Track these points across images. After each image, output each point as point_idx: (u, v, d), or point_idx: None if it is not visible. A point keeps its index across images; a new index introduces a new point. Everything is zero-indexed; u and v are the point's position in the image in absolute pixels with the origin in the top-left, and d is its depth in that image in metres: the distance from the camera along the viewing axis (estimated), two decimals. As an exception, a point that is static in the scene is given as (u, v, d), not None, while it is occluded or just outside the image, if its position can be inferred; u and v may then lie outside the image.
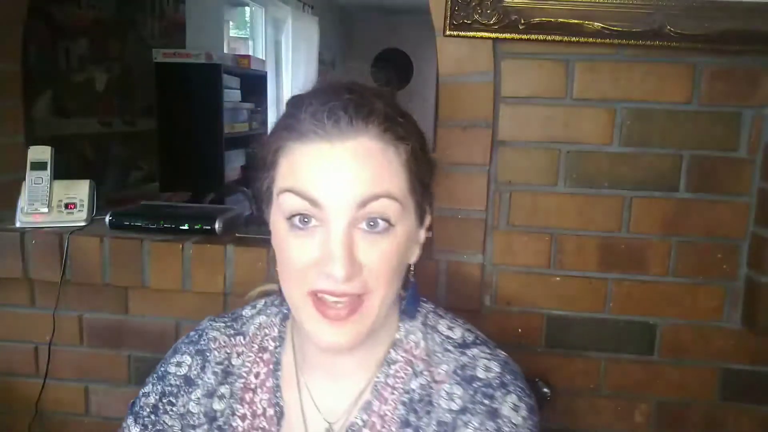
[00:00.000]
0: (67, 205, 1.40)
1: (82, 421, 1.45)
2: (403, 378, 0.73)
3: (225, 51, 3.84)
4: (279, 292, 0.77)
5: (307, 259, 0.65)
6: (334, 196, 0.63)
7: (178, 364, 0.80)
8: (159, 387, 0.80)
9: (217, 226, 1.35)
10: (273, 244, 0.71)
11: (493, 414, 0.68)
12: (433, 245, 1.29)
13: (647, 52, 1.18)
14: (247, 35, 4.60)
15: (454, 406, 0.70)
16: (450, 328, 0.76)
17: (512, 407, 0.69)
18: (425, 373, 0.73)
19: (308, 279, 0.65)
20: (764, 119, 1.20)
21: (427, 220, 0.74)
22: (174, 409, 0.79)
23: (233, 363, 0.79)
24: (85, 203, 1.42)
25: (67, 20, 2.42)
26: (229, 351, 0.80)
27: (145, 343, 1.40)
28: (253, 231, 1.34)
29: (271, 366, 0.78)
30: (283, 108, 0.74)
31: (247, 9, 4.55)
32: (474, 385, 0.70)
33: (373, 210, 0.64)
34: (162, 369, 0.81)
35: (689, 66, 1.20)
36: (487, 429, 0.68)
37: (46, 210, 1.38)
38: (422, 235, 0.73)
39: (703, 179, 1.23)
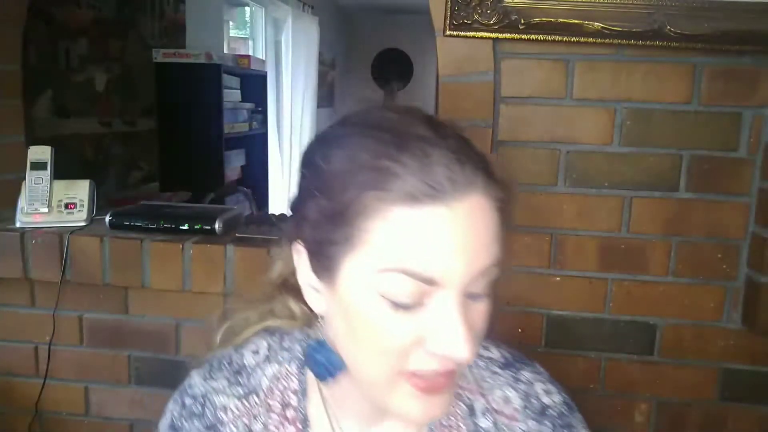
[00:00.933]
0: (67, 205, 1.40)
1: (82, 421, 1.45)
2: (460, 416, 0.66)
3: (225, 51, 3.84)
4: (287, 329, 0.69)
5: (409, 338, 0.53)
6: (453, 271, 0.52)
7: None
8: None
9: (217, 226, 1.35)
10: (339, 312, 0.58)
11: None
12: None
13: (647, 52, 1.18)
14: (247, 35, 4.60)
15: None
16: (485, 348, 0.71)
17: (584, 425, 0.69)
18: (488, 407, 0.67)
19: (408, 359, 0.54)
20: (764, 119, 1.20)
21: None
22: None
23: (254, 429, 0.67)
24: (85, 203, 1.42)
25: (67, 20, 2.42)
26: (247, 420, 0.66)
27: (145, 343, 1.40)
28: (253, 231, 1.34)
29: (298, 424, 0.66)
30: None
31: (247, 9, 4.55)
32: (547, 414, 0.67)
33: (484, 281, 0.55)
34: None
35: (689, 66, 1.20)
36: None
37: (46, 210, 1.38)
38: None
39: (703, 179, 1.23)
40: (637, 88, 1.21)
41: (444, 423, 0.66)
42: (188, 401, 0.68)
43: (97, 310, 1.40)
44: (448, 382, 0.56)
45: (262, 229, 1.33)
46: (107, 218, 1.38)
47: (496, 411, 0.67)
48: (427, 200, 0.51)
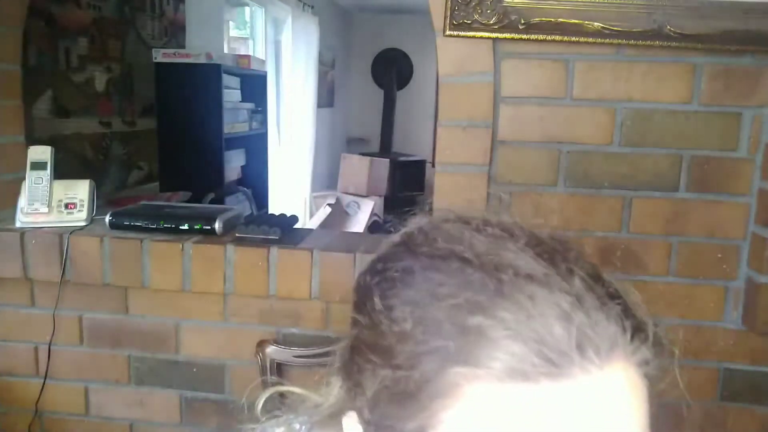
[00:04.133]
0: (67, 205, 1.40)
1: (82, 421, 1.45)
2: None
3: (225, 51, 3.84)
4: (309, 401, 0.56)
5: None
6: None
7: None
8: None
9: (217, 226, 1.35)
10: None
11: None
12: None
13: (647, 52, 1.18)
14: (247, 35, 4.60)
15: None
16: None
17: None
18: None
19: None
20: (764, 119, 1.20)
21: None
22: None
23: None
24: (85, 203, 1.42)
25: (67, 20, 2.42)
26: None
27: (145, 343, 1.40)
28: (253, 231, 1.34)
29: None
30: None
31: (247, 9, 4.55)
32: None
33: None
34: None
35: (689, 66, 1.20)
36: None
37: (46, 210, 1.38)
38: None
39: (703, 179, 1.23)
40: (637, 88, 1.21)
41: None
42: None
43: (97, 310, 1.40)
44: None
45: (262, 229, 1.34)
46: (107, 218, 1.39)
47: None
48: (542, 377, 0.34)
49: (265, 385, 1.23)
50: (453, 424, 0.36)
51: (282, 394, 0.62)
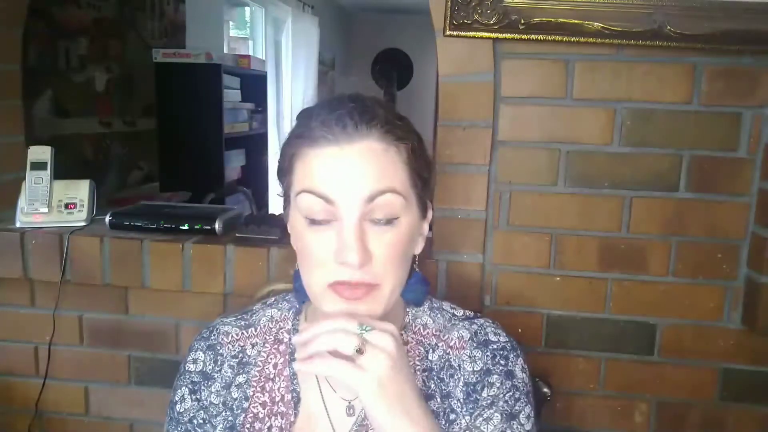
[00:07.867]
0: (67, 205, 1.40)
1: (82, 421, 1.45)
2: (417, 356, 0.82)
3: (225, 51, 3.84)
4: (291, 291, 0.89)
5: (324, 251, 0.72)
6: (345, 193, 0.70)
7: (194, 361, 0.87)
8: (185, 388, 0.87)
9: (217, 226, 1.35)
10: (293, 241, 0.79)
11: (509, 374, 0.80)
12: (432, 245, 1.29)
13: (647, 52, 1.18)
14: (247, 35, 4.60)
15: (477, 368, 0.80)
16: (453, 308, 0.87)
17: (521, 368, 0.82)
18: (440, 344, 0.83)
19: (327, 270, 0.72)
20: (764, 119, 1.20)
21: (429, 214, 0.82)
22: (199, 403, 0.86)
23: (248, 354, 0.86)
24: (85, 203, 1.42)
25: (67, 20, 2.42)
26: (242, 344, 0.86)
27: (145, 343, 1.40)
28: (253, 231, 1.34)
29: (287, 356, 0.85)
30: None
31: (247, 9, 4.55)
32: (490, 347, 0.81)
33: (379, 204, 0.71)
34: (183, 369, 0.88)
35: (689, 66, 1.20)
36: (506, 387, 0.80)
37: (46, 210, 1.38)
38: (425, 227, 0.81)
39: (703, 179, 1.23)
40: (637, 88, 1.21)
41: None
42: (204, 331, 0.89)
43: (97, 310, 1.40)
44: (365, 295, 0.72)
45: (262, 229, 1.33)
46: (107, 218, 1.39)
47: (449, 347, 0.82)
48: (325, 142, 0.71)
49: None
50: (295, 170, 0.75)
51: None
